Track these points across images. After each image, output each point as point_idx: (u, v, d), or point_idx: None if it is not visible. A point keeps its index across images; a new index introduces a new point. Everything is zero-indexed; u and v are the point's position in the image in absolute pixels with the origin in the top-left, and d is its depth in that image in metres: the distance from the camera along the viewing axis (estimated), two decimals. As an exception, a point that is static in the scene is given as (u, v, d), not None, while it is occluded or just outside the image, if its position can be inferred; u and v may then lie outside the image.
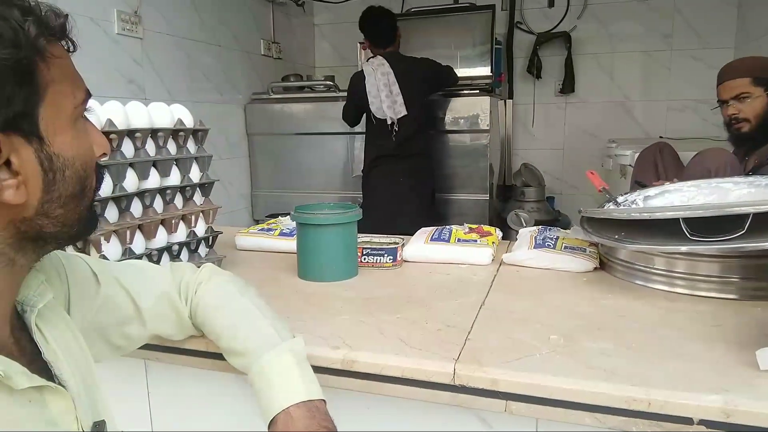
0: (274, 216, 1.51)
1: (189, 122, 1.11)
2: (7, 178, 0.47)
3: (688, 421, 0.64)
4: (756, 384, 0.66)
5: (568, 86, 3.53)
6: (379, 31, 2.63)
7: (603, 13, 3.44)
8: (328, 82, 3.20)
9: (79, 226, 0.55)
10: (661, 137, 2.96)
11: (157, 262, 1.06)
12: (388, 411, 0.84)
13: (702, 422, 0.63)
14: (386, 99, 2.52)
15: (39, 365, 0.54)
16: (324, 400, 0.70)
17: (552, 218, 3.27)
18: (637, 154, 2.24)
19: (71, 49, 0.54)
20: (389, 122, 2.54)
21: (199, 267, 0.85)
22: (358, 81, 2.62)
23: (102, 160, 0.59)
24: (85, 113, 0.56)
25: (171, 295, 0.78)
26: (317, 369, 0.76)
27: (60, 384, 0.54)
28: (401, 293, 1.05)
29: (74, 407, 0.54)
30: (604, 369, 0.72)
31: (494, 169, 3.09)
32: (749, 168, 1.71)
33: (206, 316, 0.78)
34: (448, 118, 2.87)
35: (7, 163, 0.47)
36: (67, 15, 0.51)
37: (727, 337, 0.81)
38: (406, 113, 2.53)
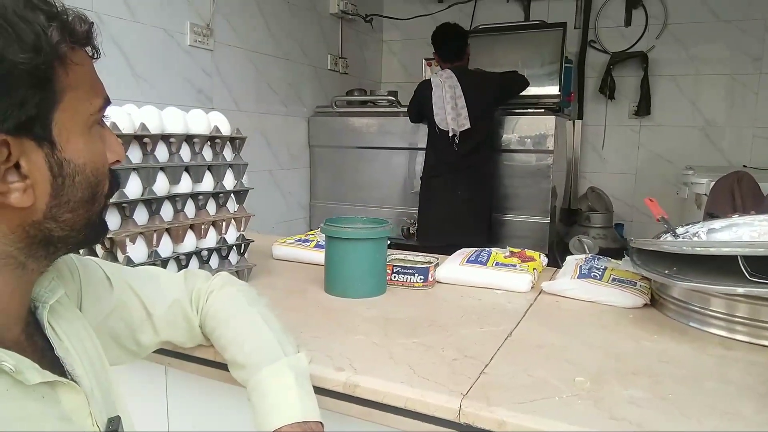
0: (312, 231, 1.50)
1: (226, 130, 1.12)
2: (15, 181, 0.47)
3: (722, 494, 0.55)
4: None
5: (643, 108, 3.34)
6: (451, 48, 2.68)
7: (684, 34, 3.24)
8: (390, 97, 3.20)
9: (88, 232, 0.55)
10: (744, 166, 2.73)
11: (186, 266, 1.07)
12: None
13: (740, 497, 0.54)
14: (451, 111, 2.56)
15: (51, 361, 0.54)
16: (321, 422, 0.66)
17: (619, 246, 3.09)
18: (713, 183, 2.07)
19: (95, 56, 0.54)
20: (451, 134, 2.57)
21: (213, 275, 0.84)
22: (423, 89, 2.69)
23: (118, 164, 0.59)
24: (103, 119, 0.55)
25: (183, 303, 0.78)
26: (318, 390, 0.73)
27: (73, 380, 0.54)
28: (425, 316, 0.99)
29: (88, 403, 0.54)
30: (629, 421, 0.63)
31: (558, 192, 2.96)
32: None
33: (214, 326, 0.77)
34: (512, 136, 2.79)
35: (17, 166, 0.47)
36: (92, 23, 0.52)
37: (786, 396, 0.70)
38: (469, 126, 2.55)
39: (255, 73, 2.88)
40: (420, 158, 2.97)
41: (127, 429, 0.60)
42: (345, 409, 0.74)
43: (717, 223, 1.17)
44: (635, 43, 3.30)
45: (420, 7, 3.76)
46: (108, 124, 0.91)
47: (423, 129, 2.96)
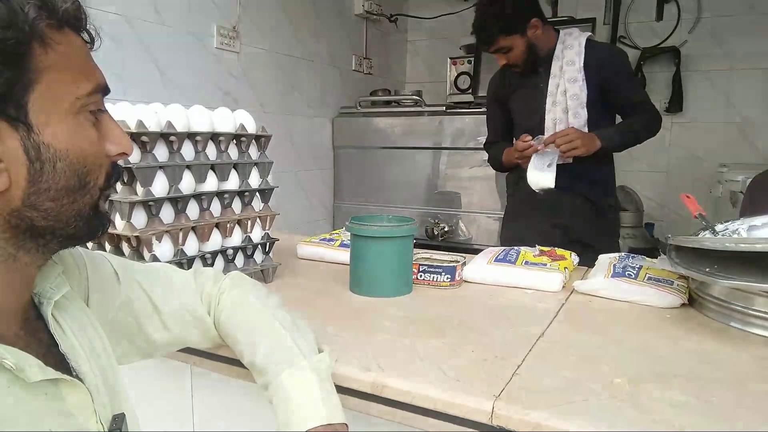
0: (337, 230, 1.49)
1: (251, 128, 1.11)
2: None
3: (775, 504, 0.51)
4: None
5: (675, 105, 3.24)
6: None
7: (718, 28, 3.14)
8: (415, 97, 3.18)
9: (79, 224, 0.52)
10: (782, 163, 2.62)
11: (211, 264, 1.06)
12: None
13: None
14: None
15: (56, 358, 0.53)
16: (346, 424, 0.65)
17: (650, 246, 3.01)
18: (750, 181, 2.00)
19: (91, 43, 0.52)
20: None
21: (224, 275, 0.83)
22: None
23: (124, 158, 0.57)
24: (102, 108, 0.53)
25: (193, 302, 0.76)
26: (343, 390, 0.72)
27: (77, 377, 0.53)
28: (453, 316, 0.97)
29: (92, 400, 0.53)
30: (672, 425, 0.60)
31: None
32: None
33: (228, 330, 0.75)
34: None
35: None
36: (78, 3, 0.50)
37: (841, 401, 0.66)
38: None
39: (280, 74, 2.89)
40: (445, 158, 2.94)
41: (131, 426, 0.59)
42: (372, 409, 0.72)
43: (758, 220, 1.12)
44: (667, 38, 3.20)
45: (445, 6, 3.72)
46: (134, 121, 0.91)
47: (448, 128, 2.93)
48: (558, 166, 1.68)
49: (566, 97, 1.76)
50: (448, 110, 2.98)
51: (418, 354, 0.79)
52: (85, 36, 0.53)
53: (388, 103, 3.31)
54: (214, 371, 0.87)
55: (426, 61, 4.02)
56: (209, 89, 2.48)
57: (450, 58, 3.38)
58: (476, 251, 1.35)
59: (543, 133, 1.77)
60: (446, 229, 2.95)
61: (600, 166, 1.82)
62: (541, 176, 1.67)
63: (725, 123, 3.21)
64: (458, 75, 3.32)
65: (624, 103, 1.82)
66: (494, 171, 2.29)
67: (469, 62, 3.25)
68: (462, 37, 3.75)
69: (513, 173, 1.99)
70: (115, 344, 0.67)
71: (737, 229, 1.10)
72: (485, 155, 2.19)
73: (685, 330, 0.92)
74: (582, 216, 1.83)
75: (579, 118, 1.74)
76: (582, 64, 1.75)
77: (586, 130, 1.73)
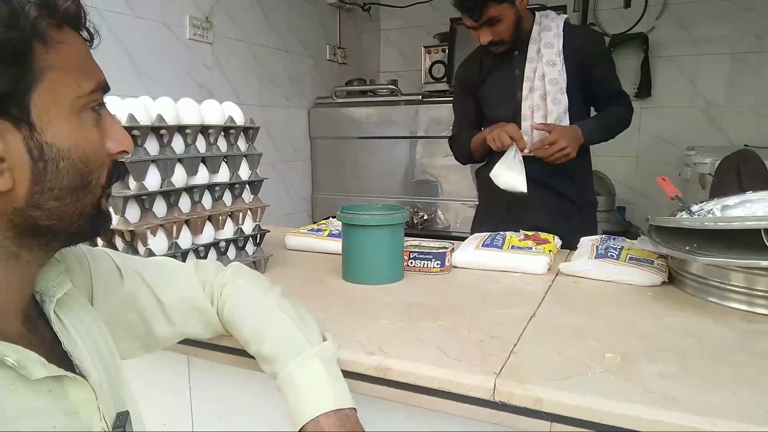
0: (324, 220, 1.50)
1: (240, 120, 1.12)
2: None
3: (761, 461, 0.55)
4: None
5: (644, 90, 3.33)
6: None
7: (685, 14, 3.23)
8: (390, 86, 3.19)
9: (82, 222, 0.53)
10: (746, 145, 2.73)
11: (204, 257, 1.07)
12: (425, 424, 0.80)
13: (779, 464, 0.55)
14: None
15: (59, 355, 0.53)
16: (354, 409, 0.67)
17: (622, 229, 3.09)
18: (718, 163, 2.08)
19: (90, 41, 0.52)
20: None
21: (225, 266, 0.84)
22: None
23: (124, 157, 0.57)
24: (102, 107, 0.54)
25: (196, 293, 0.77)
26: (350, 374, 0.73)
27: (81, 374, 0.53)
28: (446, 300, 1.00)
29: (95, 398, 0.53)
30: (664, 394, 0.64)
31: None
32: None
33: (232, 320, 0.77)
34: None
35: None
36: (78, 1, 0.50)
37: (815, 366, 0.71)
38: None
39: (255, 65, 2.87)
40: (421, 147, 2.97)
41: (135, 424, 0.60)
42: (377, 392, 0.75)
43: (731, 200, 1.18)
44: (635, 24, 3.28)
45: (418, -5, 3.73)
46: (125, 116, 0.91)
47: (424, 116, 2.96)
48: (532, 160, 1.55)
49: (545, 82, 1.63)
50: (424, 99, 3.00)
51: (418, 337, 0.82)
52: (85, 34, 0.53)
53: (363, 93, 3.31)
54: (212, 361, 0.88)
55: (400, 50, 4.03)
56: (183, 81, 2.44)
57: (424, 46, 3.40)
58: (455, 239, 1.36)
59: (519, 123, 1.64)
60: (425, 217, 2.99)
61: (577, 161, 1.63)
62: (516, 178, 1.52)
63: (692, 107, 3.31)
64: (433, 64, 3.33)
65: (602, 90, 1.71)
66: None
67: (444, 51, 3.27)
68: (436, 25, 3.77)
69: (485, 168, 1.83)
70: (118, 340, 0.67)
71: (712, 209, 1.16)
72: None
73: (666, 306, 0.96)
74: (559, 215, 1.70)
75: (559, 104, 1.61)
76: (561, 48, 1.63)
77: (566, 117, 1.62)
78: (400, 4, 3.75)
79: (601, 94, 1.73)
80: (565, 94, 1.62)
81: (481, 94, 1.79)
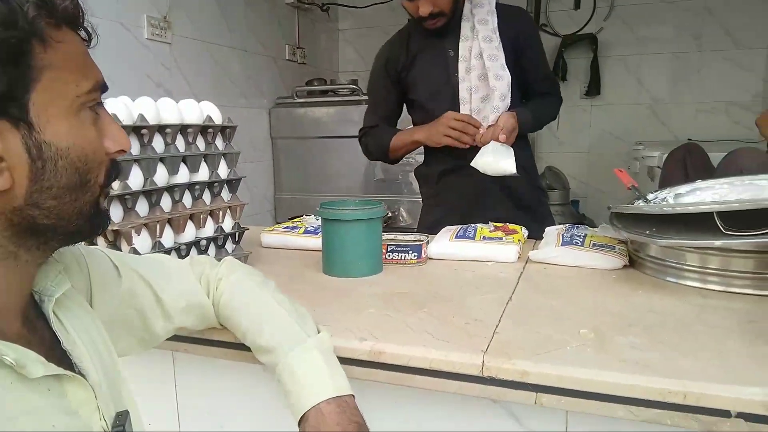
0: (295, 218, 1.50)
1: (217, 119, 1.13)
2: None
3: (725, 414, 0.62)
4: (797, 378, 0.64)
5: (594, 89, 3.49)
6: None
7: (630, 15, 3.40)
8: (351, 86, 3.22)
9: (81, 222, 0.53)
10: (689, 139, 2.90)
11: (186, 256, 1.07)
12: (417, 404, 0.84)
13: (740, 415, 0.61)
14: None
15: (58, 355, 0.53)
16: (353, 395, 0.70)
17: (576, 221, 3.23)
18: (666, 156, 2.21)
19: (86, 39, 0.53)
20: None
21: (219, 261, 0.86)
22: None
23: (122, 155, 0.57)
24: (100, 106, 0.54)
25: (194, 288, 0.79)
26: (345, 360, 0.77)
27: (80, 373, 0.53)
28: (427, 289, 1.04)
29: (95, 397, 0.53)
30: (637, 362, 0.70)
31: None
32: None
33: (229, 313, 0.78)
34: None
35: None
36: (76, 1, 0.50)
37: (764, 333, 0.79)
38: None
39: (214, 65, 2.85)
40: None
41: (135, 423, 0.60)
42: (373, 375, 0.78)
43: (682, 189, 1.27)
44: (584, 25, 3.43)
45: (375, -5, 3.78)
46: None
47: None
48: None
49: (483, 60, 1.51)
50: (385, 98, 3.04)
51: (406, 323, 0.86)
52: (83, 34, 0.53)
53: (324, 93, 3.33)
54: (198, 355, 0.89)
55: (358, 50, 4.06)
56: (141, 81, 2.40)
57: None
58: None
59: (458, 108, 1.54)
60: (389, 215, 3.03)
61: (521, 151, 1.56)
62: (506, 161, 1.46)
63: (639, 104, 3.49)
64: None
65: (535, 74, 1.64)
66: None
67: (402, 51, 3.32)
68: (393, 26, 3.81)
69: (430, 167, 1.74)
70: (116, 338, 0.67)
71: (665, 197, 1.25)
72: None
73: (630, 287, 1.04)
74: (514, 207, 1.64)
75: (502, 80, 1.50)
76: (496, 25, 1.53)
77: (509, 96, 1.51)
78: (358, 5, 3.79)
79: (533, 78, 1.65)
80: (507, 69, 1.51)
81: (410, 78, 1.65)
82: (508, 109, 1.51)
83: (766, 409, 0.60)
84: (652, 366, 0.69)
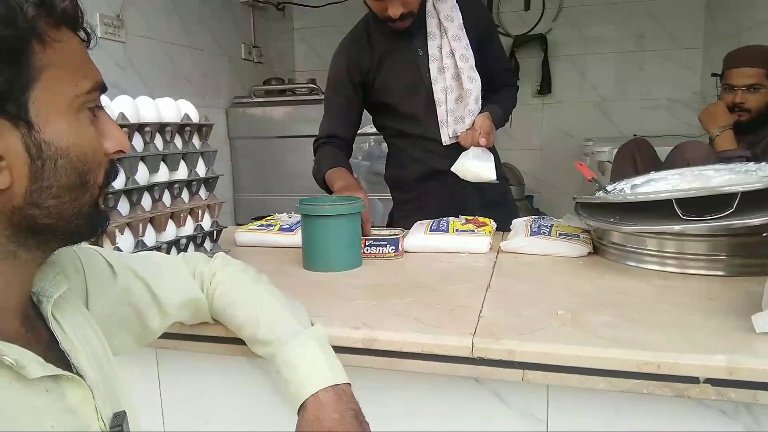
0: (260, 218, 1.49)
1: (195, 117, 1.13)
2: None
3: (694, 380, 0.69)
4: (755, 345, 0.72)
5: (545, 88, 3.62)
6: None
7: (577, 16, 3.55)
8: (310, 85, 3.23)
9: (80, 222, 0.53)
10: (635, 135, 3.06)
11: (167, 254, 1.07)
12: (407, 388, 0.87)
13: (707, 381, 0.68)
14: None
15: (56, 355, 0.54)
16: (349, 383, 0.72)
17: (532, 215, 3.35)
18: (615, 151, 2.33)
19: (85, 40, 0.53)
20: None
21: (210, 257, 0.87)
22: None
23: (122, 155, 0.58)
24: (99, 107, 0.55)
25: (188, 283, 0.80)
26: (339, 349, 0.79)
27: (78, 374, 0.54)
28: (408, 280, 1.08)
29: (93, 397, 0.54)
30: (612, 338, 0.76)
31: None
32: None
33: (224, 307, 0.80)
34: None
35: None
36: (76, 2, 0.51)
37: (722, 308, 0.87)
38: None
39: (169, 64, 2.80)
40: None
41: (132, 424, 0.61)
42: (366, 362, 0.81)
43: (638, 180, 1.36)
44: (534, 26, 3.56)
45: (331, -6, 3.79)
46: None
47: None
48: (450, 155, 1.51)
49: (455, 59, 1.47)
50: (345, 97, 3.06)
51: (394, 311, 0.90)
52: (82, 34, 0.53)
53: (282, 92, 3.32)
54: (182, 351, 0.90)
55: (315, 49, 4.07)
56: (96, 81, 2.34)
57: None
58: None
59: (433, 109, 1.52)
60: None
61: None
62: (486, 167, 1.47)
63: (587, 102, 3.65)
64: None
65: (497, 67, 1.62)
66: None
67: (359, 50, 3.36)
68: (349, 25, 3.84)
69: (406, 171, 1.71)
70: (113, 335, 0.68)
71: (623, 188, 1.33)
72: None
73: (596, 272, 1.11)
74: (480, 206, 1.63)
75: (474, 81, 1.48)
76: (461, 21, 1.49)
77: (480, 98, 1.51)
78: (314, 4, 3.79)
79: (497, 71, 1.63)
80: (476, 71, 1.49)
81: (379, 82, 1.57)
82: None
83: (730, 375, 0.67)
84: (626, 341, 0.75)
